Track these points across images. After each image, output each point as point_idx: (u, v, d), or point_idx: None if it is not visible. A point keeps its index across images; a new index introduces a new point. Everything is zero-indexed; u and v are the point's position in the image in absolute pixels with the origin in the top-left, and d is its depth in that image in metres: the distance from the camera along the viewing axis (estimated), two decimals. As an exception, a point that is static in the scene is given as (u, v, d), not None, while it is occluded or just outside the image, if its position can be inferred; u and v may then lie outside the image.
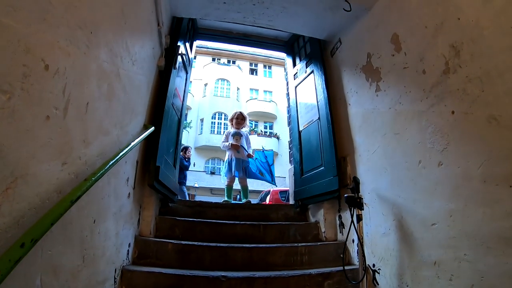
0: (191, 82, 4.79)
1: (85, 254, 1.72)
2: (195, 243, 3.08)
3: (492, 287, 1.79)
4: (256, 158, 6.16)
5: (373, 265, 2.88)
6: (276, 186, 7.89)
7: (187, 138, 28.15)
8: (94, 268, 1.91)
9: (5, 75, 1.01)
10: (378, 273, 2.79)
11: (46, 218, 1.13)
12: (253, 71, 34.29)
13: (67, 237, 1.51)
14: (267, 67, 34.54)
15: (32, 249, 1.04)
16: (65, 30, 1.36)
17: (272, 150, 6.24)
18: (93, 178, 1.51)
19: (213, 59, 32.94)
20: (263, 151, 6.59)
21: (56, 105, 1.31)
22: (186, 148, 8.51)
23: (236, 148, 5.69)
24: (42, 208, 1.21)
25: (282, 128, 28.65)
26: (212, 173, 27.75)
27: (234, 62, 33.60)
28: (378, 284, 2.81)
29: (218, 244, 3.09)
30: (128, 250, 2.71)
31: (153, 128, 2.96)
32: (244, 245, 3.17)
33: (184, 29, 4.08)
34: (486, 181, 1.85)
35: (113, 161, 1.80)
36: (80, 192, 1.37)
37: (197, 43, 5.19)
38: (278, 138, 29.96)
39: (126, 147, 2.12)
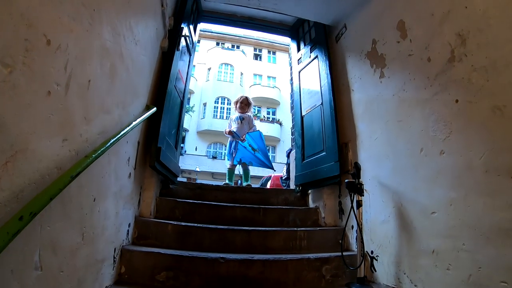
0: (194, 66, 4.77)
1: (84, 232, 1.73)
2: (195, 225, 3.10)
3: (489, 279, 1.79)
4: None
5: (372, 252, 2.89)
6: (275, 170, 7.84)
7: (190, 122, 28.16)
8: (94, 247, 1.92)
9: (7, 48, 1.00)
10: (376, 260, 2.81)
11: (45, 192, 1.13)
12: (257, 56, 34.05)
13: (67, 214, 1.51)
14: (271, 52, 34.26)
15: (30, 223, 1.05)
16: (68, 6, 1.35)
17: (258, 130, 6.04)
18: (93, 155, 1.51)
19: (217, 44, 32.70)
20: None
21: (57, 81, 1.31)
22: None
23: (230, 134, 5.78)
24: (42, 184, 1.22)
25: (285, 114, 28.58)
26: (214, 157, 27.84)
27: (238, 47, 33.36)
28: (375, 271, 2.83)
29: (218, 227, 3.12)
30: (128, 230, 2.73)
31: (155, 109, 2.95)
32: (243, 228, 3.20)
33: (188, 11, 4.04)
34: (488, 171, 1.84)
35: (114, 139, 1.81)
36: (80, 168, 1.37)
37: (201, 26, 5.14)
38: (280, 124, 29.95)
39: (128, 127, 2.13)
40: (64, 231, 1.49)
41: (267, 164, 5.98)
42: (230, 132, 5.75)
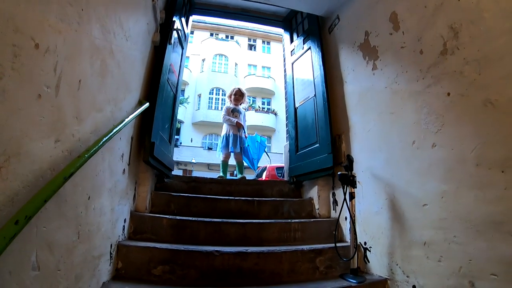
0: (188, 57, 4.75)
1: (80, 230, 1.75)
2: (190, 218, 3.13)
3: (479, 271, 1.83)
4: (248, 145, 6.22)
5: (365, 243, 2.94)
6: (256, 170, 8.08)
7: (185, 113, 28.10)
8: (90, 244, 1.93)
9: (-5, 55, 1.00)
10: (370, 251, 2.85)
11: (39, 195, 1.15)
12: (251, 47, 33.90)
13: (62, 213, 1.53)
14: (265, 42, 34.11)
15: (26, 226, 1.06)
16: (55, 7, 1.34)
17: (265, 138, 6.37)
18: (86, 155, 1.52)
19: (211, 34, 32.49)
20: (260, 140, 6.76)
21: (47, 83, 1.31)
22: None
23: (239, 126, 5.74)
24: (36, 186, 1.23)
25: (280, 104, 28.53)
26: (210, 148, 27.85)
27: (232, 38, 33.16)
28: (369, 262, 2.88)
29: (213, 220, 3.15)
30: (123, 226, 2.75)
31: (147, 104, 2.95)
32: (238, 220, 3.23)
33: (180, 4, 4.00)
34: (479, 164, 1.87)
35: (106, 137, 1.81)
36: (74, 168, 1.38)
37: (193, 17, 5.11)
38: (275, 114, 29.94)
39: (120, 124, 2.13)
40: (59, 231, 1.50)
41: (252, 167, 6.25)
42: (239, 124, 5.77)
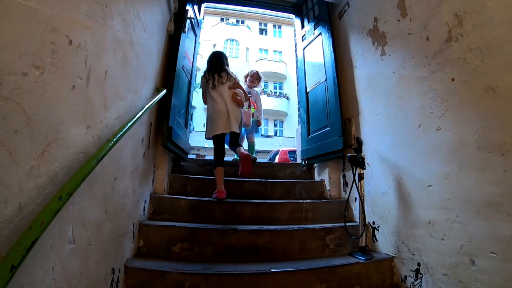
0: (199, 43, 4.77)
1: (107, 209, 1.92)
2: (206, 199, 3.31)
3: (480, 249, 1.94)
4: None
5: (373, 223, 3.06)
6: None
7: (197, 98, 28.08)
8: (116, 222, 2.11)
9: (37, 53, 1.15)
10: (377, 230, 2.98)
11: (77, 175, 1.29)
12: (262, 31, 33.45)
13: (93, 193, 1.69)
14: (276, 26, 33.60)
15: (66, 202, 1.21)
16: (84, 7, 1.48)
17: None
18: (114, 139, 1.66)
19: (222, 19, 32.09)
20: None
21: (80, 75, 1.46)
22: None
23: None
24: (72, 168, 1.39)
25: (292, 89, 28.28)
26: (222, 133, 27.77)
27: (243, 22, 32.74)
28: (377, 241, 3.01)
29: (228, 200, 3.32)
30: (144, 207, 2.93)
31: (165, 91, 3.08)
32: (252, 200, 3.39)
33: (192, -8, 4.09)
34: (480, 148, 1.96)
35: (130, 123, 1.95)
36: (104, 151, 1.53)
37: (205, 4, 5.16)
38: (287, 98, 29.77)
39: (141, 110, 2.27)
40: (91, 209, 1.67)
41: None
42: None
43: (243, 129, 5.12)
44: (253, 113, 5.47)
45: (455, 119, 2.18)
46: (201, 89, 4.06)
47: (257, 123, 5.67)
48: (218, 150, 3.74)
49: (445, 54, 2.27)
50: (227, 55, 4.26)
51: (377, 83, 3.20)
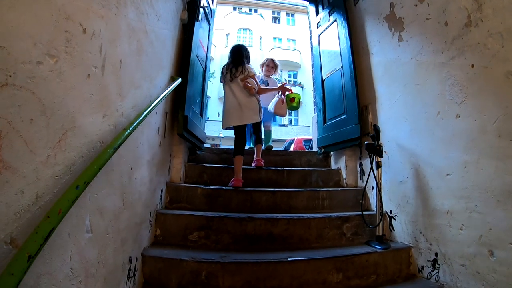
0: (213, 32, 4.72)
1: (124, 197, 1.93)
2: (223, 187, 3.32)
3: (498, 239, 1.89)
4: None
5: (390, 212, 3.02)
6: None
7: (211, 88, 28.17)
8: (133, 211, 2.12)
9: (52, 41, 1.14)
10: (395, 219, 2.94)
11: (94, 164, 1.29)
12: (275, 19, 33.18)
13: (110, 182, 1.70)
14: (290, 15, 33.27)
15: (83, 191, 1.21)
16: (97, -6, 1.47)
17: None
18: (130, 128, 1.66)
19: (234, 9, 31.95)
20: None
21: (95, 64, 1.45)
22: None
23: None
24: (89, 157, 1.39)
25: (306, 77, 28.08)
26: (237, 122, 27.80)
27: (256, 11, 32.51)
28: (394, 230, 2.97)
29: (244, 188, 3.32)
30: (161, 196, 2.95)
31: (180, 79, 3.08)
32: (268, 189, 3.38)
33: (206, -20, 4.05)
34: (501, 135, 1.90)
35: (146, 112, 1.95)
36: (121, 140, 1.53)
37: (218, -8, 5.11)
38: (302, 87, 29.52)
39: (156, 99, 2.27)
40: (108, 197, 1.68)
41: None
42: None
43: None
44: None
45: (475, 106, 2.11)
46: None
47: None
48: (238, 139, 3.78)
49: (464, 40, 2.19)
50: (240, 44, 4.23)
51: (394, 69, 3.12)
